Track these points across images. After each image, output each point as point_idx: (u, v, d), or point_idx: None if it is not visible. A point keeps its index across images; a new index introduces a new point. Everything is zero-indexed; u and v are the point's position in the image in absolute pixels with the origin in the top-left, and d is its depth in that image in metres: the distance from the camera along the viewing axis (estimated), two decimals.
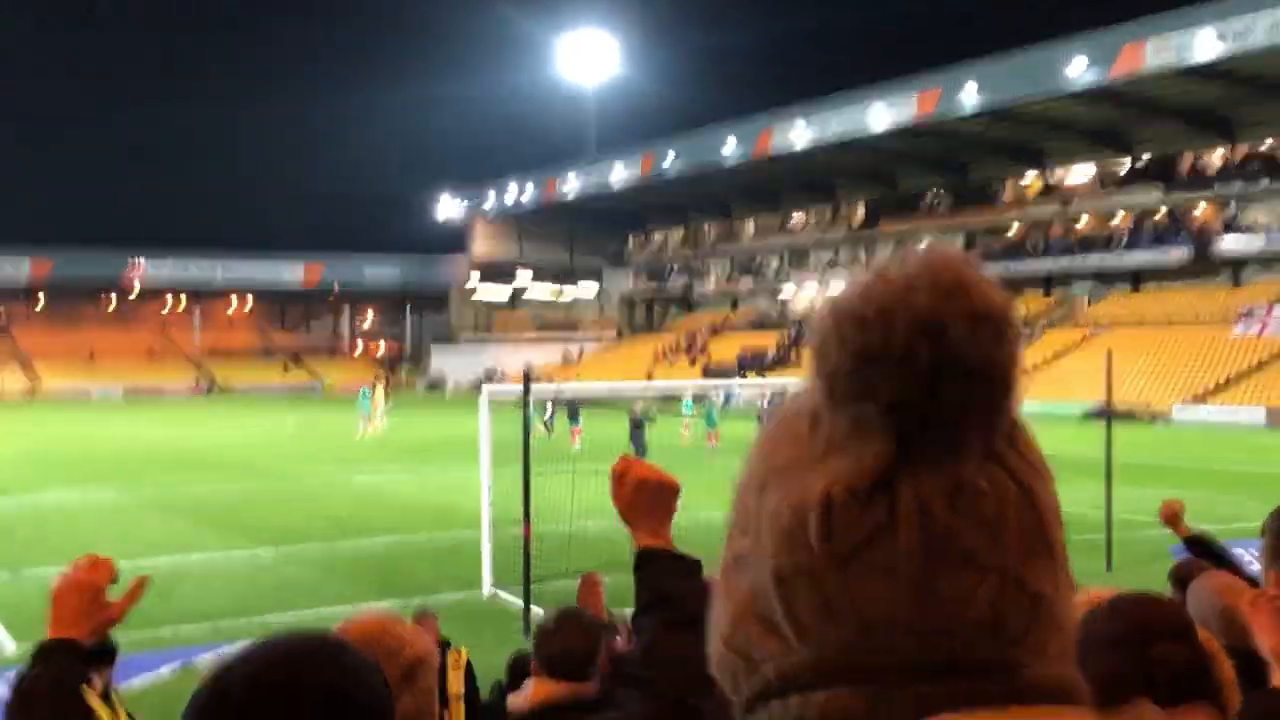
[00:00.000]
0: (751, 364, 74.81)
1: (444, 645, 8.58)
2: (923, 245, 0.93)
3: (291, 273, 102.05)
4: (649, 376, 71.13)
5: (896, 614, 0.79)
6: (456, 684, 8.46)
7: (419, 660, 2.41)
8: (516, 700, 3.57)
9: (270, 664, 1.47)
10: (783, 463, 0.86)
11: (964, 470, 0.82)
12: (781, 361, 74.68)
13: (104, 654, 7.73)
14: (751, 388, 47.63)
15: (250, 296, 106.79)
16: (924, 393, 0.80)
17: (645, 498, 2.57)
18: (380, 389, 47.69)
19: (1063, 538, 0.88)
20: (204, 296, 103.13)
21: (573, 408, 37.38)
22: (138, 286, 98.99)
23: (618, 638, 7.83)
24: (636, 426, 30.24)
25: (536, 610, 13.93)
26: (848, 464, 0.82)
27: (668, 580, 2.56)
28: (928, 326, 0.80)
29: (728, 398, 46.75)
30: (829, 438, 0.84)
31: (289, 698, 1.44)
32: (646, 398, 40.05)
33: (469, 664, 8.52)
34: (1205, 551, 5.48)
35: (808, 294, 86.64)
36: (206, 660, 11.50)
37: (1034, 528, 0.84)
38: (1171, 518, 5.74)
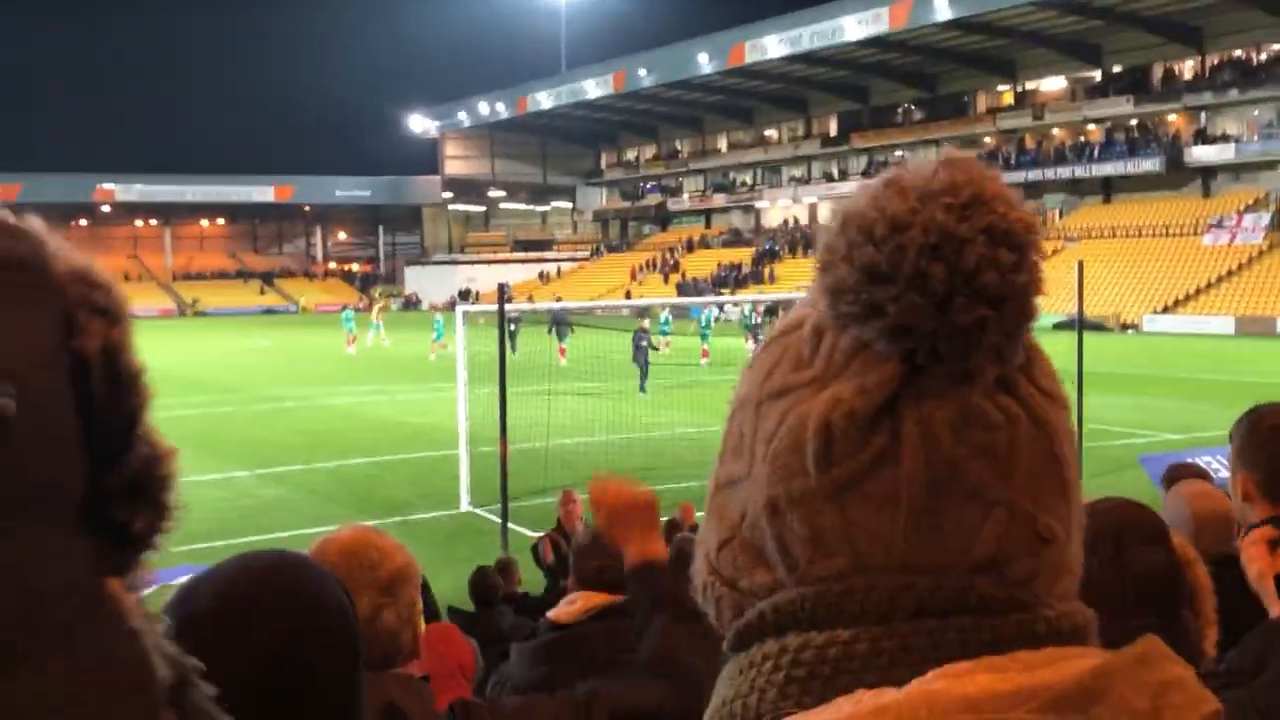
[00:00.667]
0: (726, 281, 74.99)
1: None
2: (941, 152, 0.84)
3: (262, 194, 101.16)
4: (627, 295, 71.19)
5: (894, 548, 0.76)
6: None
7: (399, 573, 2.39)
8: (563, 611, 3.64)
9: (232, 579, 1.52)
10: (780, 383, 0.81)
11: (973, 399, 0.77)
12: (755, 277, 74.82)
13: None
14: (745, 303, 47.66)
15: (221, 218, 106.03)
16: (935, 316, 0.75)
17: (625, 516, 2.66)
18: (377, 308, 53.57)
19: (1077, 475, 0.83)
20: (175, 219, 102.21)
21: (559, 326, 37.46)
22: (107, 210, 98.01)
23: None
24: (640, 345, 29.72)
25: (514, 528, 14.12)
26: (850, 387, 0.77)
27: (663, 579, 2.65)
28: (942, 245, 0.75)
29: (720, 310, 46.98)
30: (830, 358, 0.79)
31: (250, 611, 1.50)
32: (651, 315, 40.38)
33: (424, 580, 8.70)
34: None
35: (781, 208, 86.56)
36: (185, 581, 11.62)
37: (1047, 463, 0.79)
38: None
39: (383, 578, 2.33)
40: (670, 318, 42.68)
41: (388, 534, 2.54)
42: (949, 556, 0.76)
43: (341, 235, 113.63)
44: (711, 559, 0.84)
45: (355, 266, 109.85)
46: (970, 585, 0.76)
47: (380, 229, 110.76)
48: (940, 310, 0.75)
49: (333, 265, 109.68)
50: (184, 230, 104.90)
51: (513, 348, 16.42)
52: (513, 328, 38.04)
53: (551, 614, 3.71)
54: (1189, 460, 14.16)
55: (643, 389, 28.10)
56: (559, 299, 63.50)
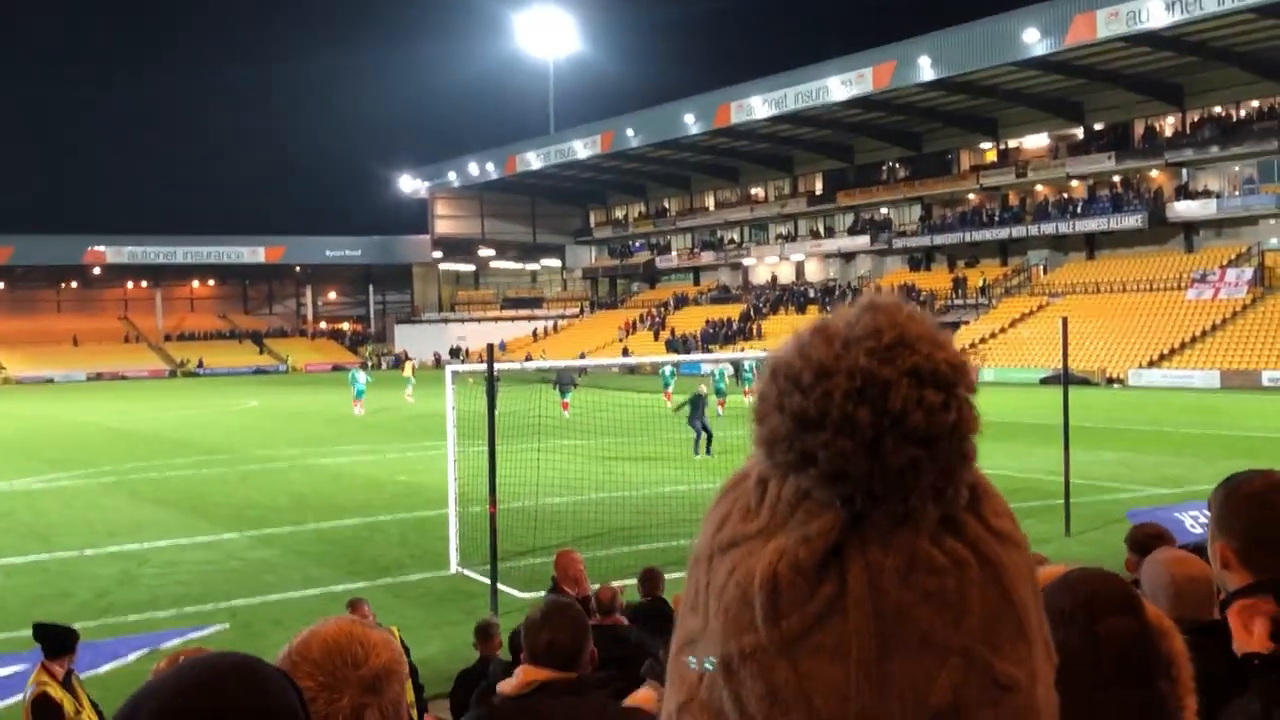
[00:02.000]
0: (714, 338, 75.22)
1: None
2: (865, 295, 0.84)
3: (253, 255, 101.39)
4: (625, 351, 71.42)
5: (850, 701, 0.73)
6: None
7: (384, 669, 2.29)
8: (507, 684, 3.69)
9: (181, 692, 1.46)
10: (730, 536, 0.80)
11: (919, 543, 0.76)
12: (744, 333, 75.12)
13: (63, 642, 7.81)
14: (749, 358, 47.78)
15: (212, 279, 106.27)
16: (867, 459, 0.74)
17: None
18: (409, 366, 56.24)
19: (1039, 615, 0.81)
20: (165, 280, 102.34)
21: (563, 384, 38.54)
22: (98, 271, 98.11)
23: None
24: (697, 405, 28.67)
25: (503, 589, 14.11)
26: (794, 538, 0.76)
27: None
28: (867, 388, 0.75)
29: (737, 369, 47.25)
30: (774, 508, 0.78)
31: None
32: (665, 372, 40.65)
33: (401, 640, 8.70)
34: None
35: (768, 265, 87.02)
36: (174, 646, 11.59)
37: (1001, 606, 0.77)
38: None
39: (367, 675, 2.23)
40: (672, 370, 43.57)
41: (376, 628, 2.45)
42: (906, 708, 0.73)
43: (332, 295, 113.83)
44: None
45: (346, 325, 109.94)
46: None
47: (371, 288, 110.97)
48: (871, 454, 0.74)
49: (323, 325, 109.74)
50: (175, 291, 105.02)
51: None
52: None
53: (500, 685, 3.75)
54: (1175, 515, 14.27)
55: (709, 451, 27.54)
56: (532, 356, 63.69)
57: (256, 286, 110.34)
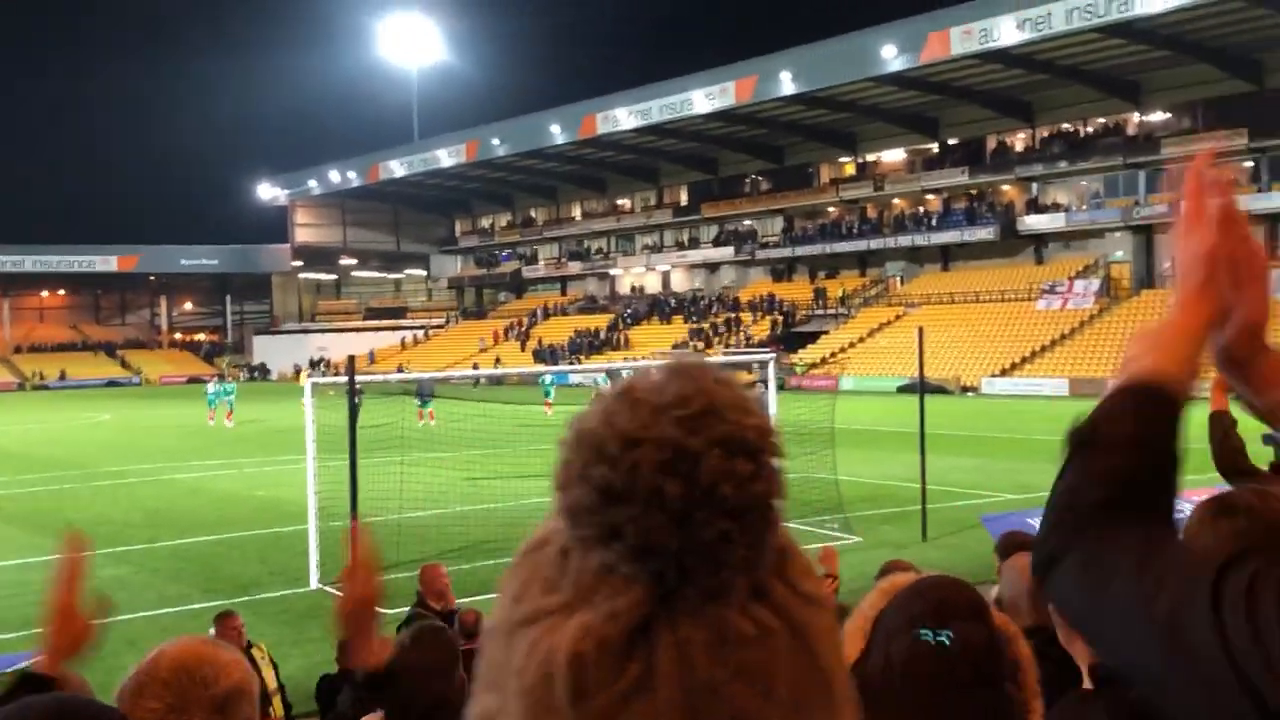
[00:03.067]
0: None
1: (246, 648, 8.57)
2: (671, 355, 0.76)
3: (105, 264, 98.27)
4: (497, 362, 70.95)
5: None
6: (271, 679, 8.50)
7: (235, 689, 2.27)
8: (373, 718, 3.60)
9: None
10: (530, 609, 0.76)
11: (728, 614, 0.73)
12: (610, 343, 75.36)
13: None
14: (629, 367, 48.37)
15: (63, 289, 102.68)
16: (676, 534, 0.71)
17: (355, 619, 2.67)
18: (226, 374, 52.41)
19: (844, 674, 0.79)
20: (14, 290, 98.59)
21: (422, 392, 38.20)
22: None
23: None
24: None
25: None
26: (599, 614, 0.72)
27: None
28: (677, 460, 0.72)
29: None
30: (577, 582, 0.75)
31: None
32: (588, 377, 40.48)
33: (271, 658, 8.56)
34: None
35: (635, 275, 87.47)
36: (25, 667, 11.15)
37: (808, 672, 0.76)
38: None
39: (217, 696, 2.21)
40: (552, 380, 43.96)
41: (226, 647, 2.41)
42: None
43: (188, 305, 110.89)
44: None
45: (202, 336, 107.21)
46: None
47: (228, 298, 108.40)
48: (681, 528, 0.71)
49: (178, 335, 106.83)
50: (23, 301, 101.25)
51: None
52: (357, 400, 38.35)
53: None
54: (1028, 520, 14.72)
55: None
56: (401, 368, 62.98)
57: (109, 296, 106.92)
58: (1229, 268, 1.25)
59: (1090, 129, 63.53)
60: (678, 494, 0.71)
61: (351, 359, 15.38)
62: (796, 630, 0.75)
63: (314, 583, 15.70)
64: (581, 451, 0.75)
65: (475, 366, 68.35)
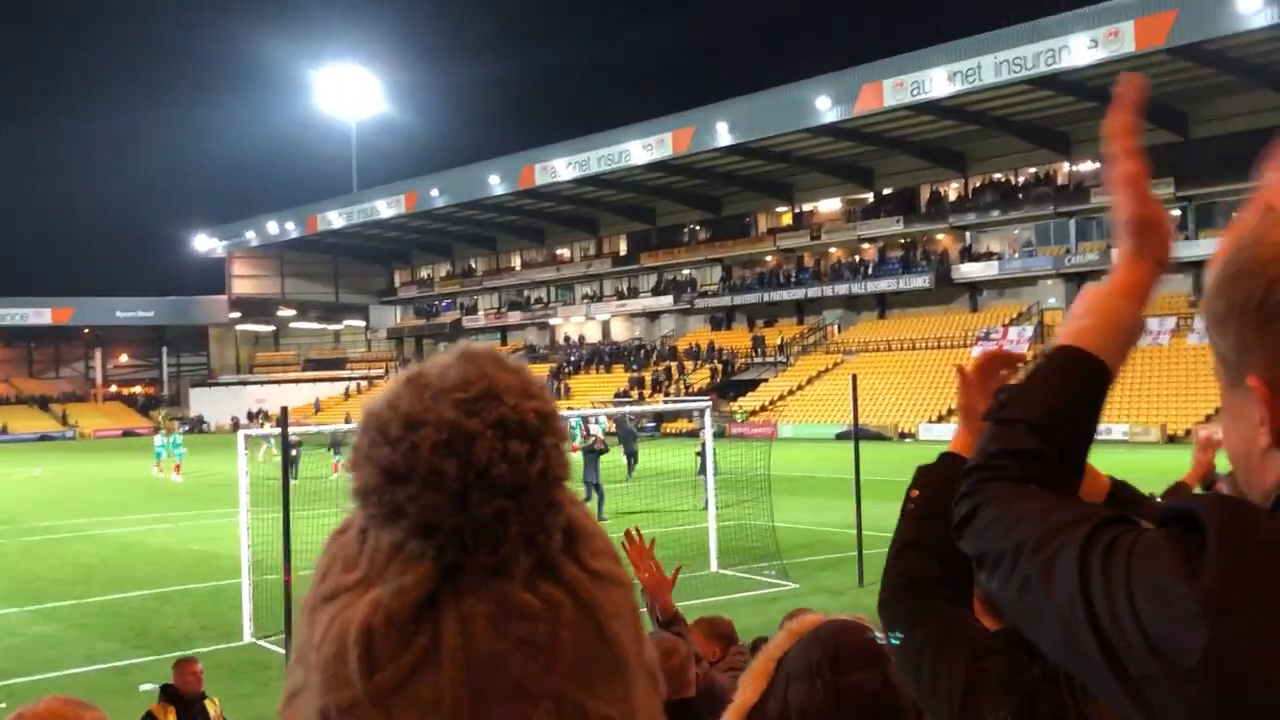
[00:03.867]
0: None
1: (201, 696, 8.53)
2: (460, 346, 0.83)
3: (38, 316, 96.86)
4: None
5: None
6: None
7: None
8: None
9: None
10: (331, 587, 0.80)
11: (511, 589, 0.76)
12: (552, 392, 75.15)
13: None
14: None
15: None
16: (454, 513, 0.74)
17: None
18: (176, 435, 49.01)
19: (639, 649, 0.82)
20: None
21: (336, 443, 37.67)
22: None
23: None
24: (590, 459, 25.34)
25: None
26: (389, 590, 0.76)
27: None
28: (454, 440, 0.75)
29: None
30: (372, 559, 0.78)
31: None
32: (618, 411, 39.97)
33: (221, 711, 8.51)
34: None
35: (575, 325, 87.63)
36: None
37: (594, 646, 0.78)
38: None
39: None
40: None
41: (89, 707, 2.35)
42: None
43: (124, 357, 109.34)
44: None
45: (138, 389, 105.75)
46: None
47: (164, 350, 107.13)
48: (459, 506, 0.74)
49: (114, 388, 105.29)
50: None
51: (294, 474, 16.20)
52: (294, 453, 37.87)
53: None
54: None
55: (600, 515, 22.51)
56: (351, 418, 62.44)
57: (43, 349, 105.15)
58: (1154, 229, 1.39)
59: (1022, 178, 64.75)
60: (455, 473, 0.74)
61: (284, 410, 15.30)
62: (583, 606, 0.78)
63: (247, 636, 15.52)
64: (368, 433, 0.78)
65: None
